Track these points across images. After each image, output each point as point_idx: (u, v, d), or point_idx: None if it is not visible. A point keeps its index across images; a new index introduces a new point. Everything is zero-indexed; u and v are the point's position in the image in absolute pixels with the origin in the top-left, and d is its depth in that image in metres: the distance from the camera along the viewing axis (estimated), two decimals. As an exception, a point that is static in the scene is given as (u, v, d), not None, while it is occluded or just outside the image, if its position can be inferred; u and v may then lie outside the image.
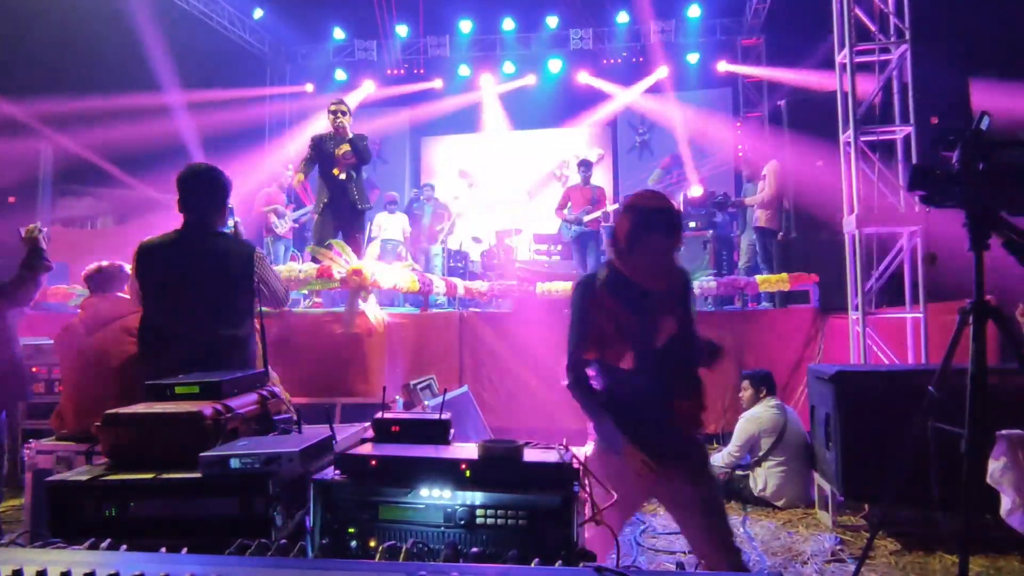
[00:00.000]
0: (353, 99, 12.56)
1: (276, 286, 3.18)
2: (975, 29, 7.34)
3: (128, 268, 3.46)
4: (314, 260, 5.80)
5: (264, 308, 3.05)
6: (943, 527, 3.73)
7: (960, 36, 7.35)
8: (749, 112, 12.29)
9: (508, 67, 12.86)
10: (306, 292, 6.26)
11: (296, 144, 10.92)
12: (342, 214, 6.19)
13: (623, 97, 12.48)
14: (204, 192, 3.08)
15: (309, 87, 13.21)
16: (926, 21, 5.52)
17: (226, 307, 2.99)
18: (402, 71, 13.09)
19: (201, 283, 2.96)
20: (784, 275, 6.42)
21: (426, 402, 4.73)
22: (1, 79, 7.82)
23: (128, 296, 3.49)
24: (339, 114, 6.17)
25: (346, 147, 6.12)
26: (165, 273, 3.00)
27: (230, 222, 3.34)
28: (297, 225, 9.77)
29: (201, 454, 1.65)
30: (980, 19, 7.35)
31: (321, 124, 7.43)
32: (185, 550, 1.14)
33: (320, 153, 6.24)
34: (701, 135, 12.26)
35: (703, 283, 6.41)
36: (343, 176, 6.12)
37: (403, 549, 1.16)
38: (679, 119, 12.13)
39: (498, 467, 1.55)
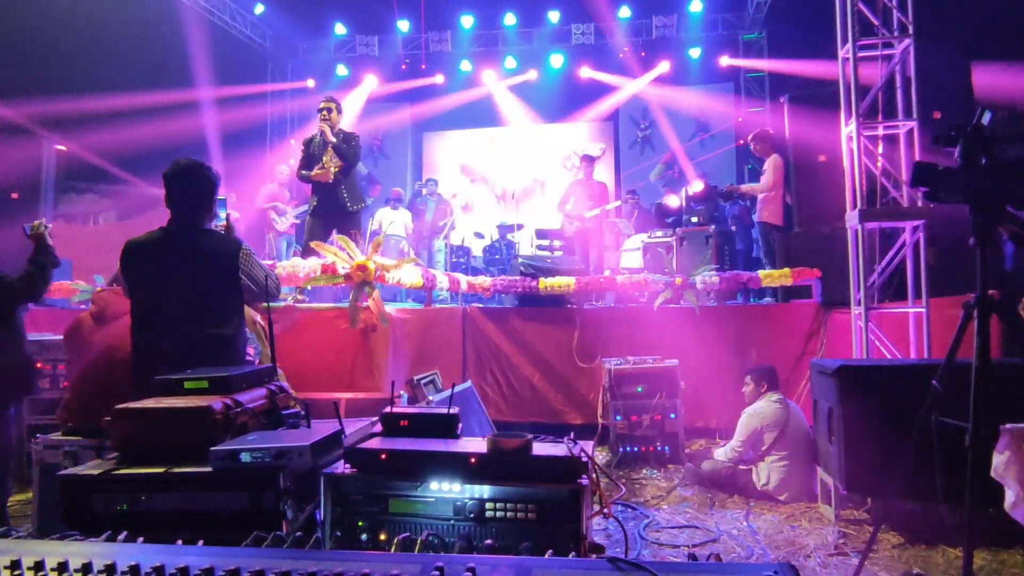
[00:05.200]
0: (355, 95, 12.58)
1: (264, 281, 3.08)
2: (978, 22, 7.32)
3: None
4: (310, 253, 5.66)
5: (267, 304, 3.03)
6: (946, 521, 3.73)
7: (963, 30, 7.33)
8: (751, 107, 12.26)
9: (510, 62, 12.84)
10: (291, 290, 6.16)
11: (297, 140, 10.89)
12: (332, 216, 6.06)
13: (627, 89, 12.44)
14: (189, 188, 3.04)
15: (311, 83, 13.18)
16: (929, 15, 5.50)
17: (210, 305, 2.94)
18: (404, 66, 13.06)
19: (184, 281, 2.91)
20: (786, 270, 6.41)
21: (430, 397, 4.75)
22: (3, 78, 7.82)
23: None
24: (326, 112, 6.03)
25: (328, 164, 5.97)
26: (150, 271, 2.96)
27: (221, 214, 3.30)
28: (298, 222, 9.76)
29: (211, 448, 1.67)
30: (983, 13, 7.33)
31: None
32: (201, 543, 1.15)
33: (308, 155, 6.16)
34: (702, 130, 12.26)
35: (706, 278, 6.41)
36: (331, 179, 5.99)
37: (418, 541, 1.17)
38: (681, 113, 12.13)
39: (507, 461, 1.56)
